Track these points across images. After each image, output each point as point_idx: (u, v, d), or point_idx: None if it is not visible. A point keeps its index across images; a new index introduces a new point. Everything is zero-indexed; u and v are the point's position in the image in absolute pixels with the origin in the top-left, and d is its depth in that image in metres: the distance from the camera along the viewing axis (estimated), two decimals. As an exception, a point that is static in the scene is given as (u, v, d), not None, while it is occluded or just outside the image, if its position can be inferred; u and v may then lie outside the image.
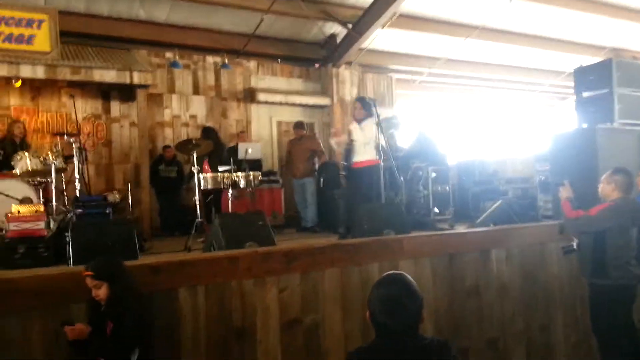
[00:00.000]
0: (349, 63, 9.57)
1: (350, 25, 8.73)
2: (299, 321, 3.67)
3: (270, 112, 9.18)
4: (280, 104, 9.12)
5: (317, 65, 9.65)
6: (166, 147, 7.86)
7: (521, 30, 9.79)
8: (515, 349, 4.56)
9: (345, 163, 6.10)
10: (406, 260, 4.13)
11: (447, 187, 6.45)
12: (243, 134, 8.21)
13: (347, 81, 9.66)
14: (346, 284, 3.86)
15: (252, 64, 9.16)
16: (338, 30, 9.13)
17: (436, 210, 6.19)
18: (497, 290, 4.52)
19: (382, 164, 5.39)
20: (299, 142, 7.60)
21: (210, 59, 8.72)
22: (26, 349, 2.78)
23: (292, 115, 9.07)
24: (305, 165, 7.41)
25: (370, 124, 5.59)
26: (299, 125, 7.71)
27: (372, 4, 8.30)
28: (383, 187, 5.32)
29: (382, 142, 5.48)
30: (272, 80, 9.28)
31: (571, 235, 4.04)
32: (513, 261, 4.64)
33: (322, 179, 7.29)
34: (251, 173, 6.01)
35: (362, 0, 8.44)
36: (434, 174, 6.27)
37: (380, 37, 9.04)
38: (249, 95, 8.94)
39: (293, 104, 9.23)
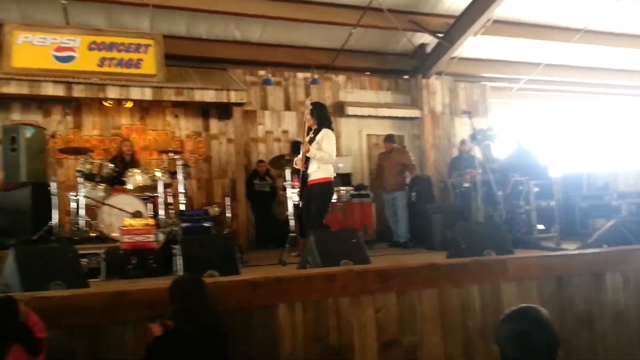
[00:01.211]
0: (440, 73, 9.36)
1: (440, 35, 8.55)
2: (397, 342, 3.60)
3: (359, 125, 9.20)
4: (370, 117, 9.11)
5: (406, 77, 9.53)
6: (260, 161, 8.14)
7: (628, 31, 9.02)
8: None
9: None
10: (509, 282, 3.91)
11: (552, 202, 6.03)
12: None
13: (437, 92, 9.45)
14: (445, 306, 3.73)
15: (340, 78, 9.26)
16: (428, 39, 8.97)
17: (540, 227, 5.81)
18: (612, 318, 4.12)
19: (333, 181, 4.95)
20: (389, 155, 7.52)
21: (300, 75, 8.94)
22: (140, 357, 2.96)
23: (381, 128, 9.03)
24: (395, 179, 7.31)
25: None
26: (388, 138, 7.64)
27: (464, 12, 8.07)
28: (480, 203, 5.08)
29: (478, 154, 5.23)
30: (361, 94, 9.31)
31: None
32: (630, 286, 4.22)
33: (413, 193, 7.14)
34: (342, 187, 6.05)
35: (453, 9, 8.24)
36: (536, 188, 5.90)
37: (472, 45, 8.75)
38: (338, 109, 9.03)
39: (382, 117, 9.18)
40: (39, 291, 3.06)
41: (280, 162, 6.10)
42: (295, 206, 5.98)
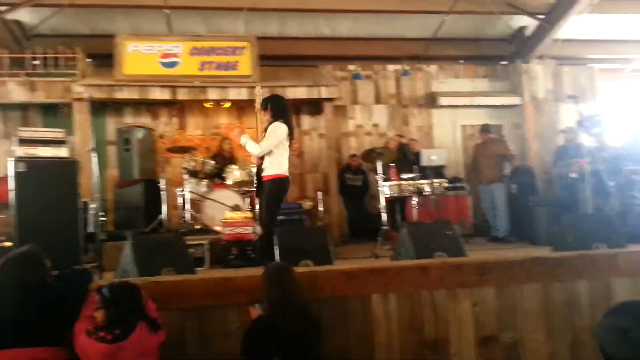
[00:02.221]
0: (541, 57, 8.78)
1: (541, 16, 8.03)
2: (496, 338, 3.47)
3: (453, 116, 8.92)
4: (464, 106, 8.80)
5: (504, 63, 9.07)
6: (352, 156, 8.19)
7: None
8: None
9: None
10: (621, 278, 3.60)
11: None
12: (414, 141, 8.10)
13: (539, 77, 8.88)
14: (549, 302, 3.53)
15: (432, 68, 9.04)
16: (527, 22, 8.47)
17: (658, 220, 5.28)
18: None
19: (285, 178, 4.62)
20: (485, 146, 7.22)
21: (390, 67, 8.86)
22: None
23: (477, 118, 8.68)
24: (492, 170, 7.00)
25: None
26: (484, 129, 7.33)
27: (568, -10, 7.51)
28: (589, 194, 4.72)
29: (586, 142, 4.84)
30: (454, 83, 9.03)
31: None
32: None
33: (514, 185, 6.79)
34: (435, 180, 5.92)
35: (554, -13, 7.71)
36: (653, 178, 5.37)
37: (577, 25, 8.11)
38: (431, 100, 8.83)
39: (478, 106, 8.82)
40: (153, 276, 3.36)
41: (371, 155, 6.09)
42: (387, 200, 5.95)
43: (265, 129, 4.59)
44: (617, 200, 5.29)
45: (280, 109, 4.66)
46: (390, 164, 6.36)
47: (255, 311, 2.86)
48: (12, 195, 4.38)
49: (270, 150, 4.52)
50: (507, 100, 8.85)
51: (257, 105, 4.74)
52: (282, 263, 3.11)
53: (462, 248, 4.08)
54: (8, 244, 4.85)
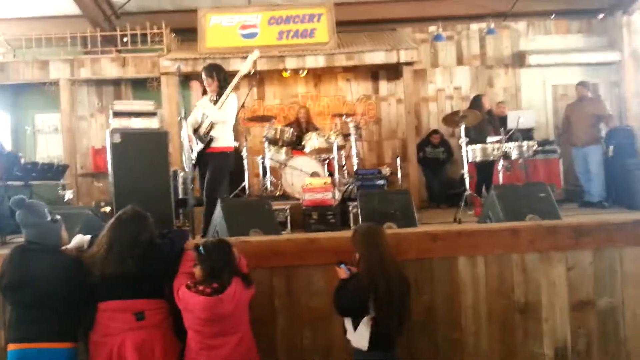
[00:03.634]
0: (647, 7, 7.96)
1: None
2: (592, 303, 3.29)
3: (543, 75, 8.36)
4: (556, 65, 8.21)
5: (601, 16, 8.31)
6: (434, 132, 7.98)
7: None
8: None
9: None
10: None
11: None
12: (501, 105, 7.69)
13: (642, 29, 8.06)
14: (653, 266, 3.27)
15: (520, 25, 8.49)
16: (629, -31, 7.69)
17: None
18: None
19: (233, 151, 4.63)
20: (580, 105, 6.71)
21: (474, 26, 8.44)
22: (328, 297, 3.21)
23: (570, 77, 8.06)
24: (588, 131, 6.52)
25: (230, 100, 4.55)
26: (582, 83, 6.79)
27: None
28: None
29: None
30: (544, 40, 8.43)
31: None
32: None
33: (611, 147, 6.30)
34: (524, 143, 5.62)
35: None
36: None
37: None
38: (518, 60, 8.33)
39: (571, 64, 8.20)
40: (243, 236, 3.51)
41: (454, 119, 5.87)
42: (471, 164, 5.74)
43: (217, 99, 4.56)
44: None
45: (226, 80, 4.65)
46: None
47: (343, 271, 2.90)
48: (109, 165, 4.70)
49: (226, 121, 4.57)
50: (604, 57, 8.15)
51: (250, 70, 4.81)
52: (371, 224, 3.12)
53: (557, 210, 3.87)
54: (107, 209, 5.26)
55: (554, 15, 8.42)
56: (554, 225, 3.45)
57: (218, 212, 3.84)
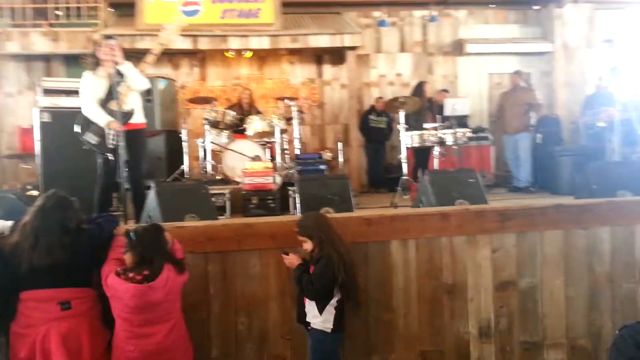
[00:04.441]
0: (576, 1, 8.35)
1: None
2: (514, 283, 3.49)
3: (480, 64, 8.66)
4: (492, 54, 8.52)
5: (537, 7, 8.66)
6: (379, 98, 8.07)
7: None
8: None
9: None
10: (646, 226, 3.55)
11: None
12: (443, 93, 7.90)
13: (573, 22, 8.46)
14: (570, 249, 3.51)
15: (461, 13, 8.71)
16: (562, -37, 8.04)
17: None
18: None
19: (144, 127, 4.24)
20: (513, 94, 7.01)
21: (417, 13, 8.58)
22: (264, 281, 3.25)
23: (505, 66, 8.40)
24: (519, 119, 6.84)
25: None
26: (517, 72, 7.09)
27: None
28: (617, 144, 4.60)
29: (618, 90, 4.65)
30: (483, 29, 8.70)
31: None
32: None
33: (539, 135, 6.64)
34: (458, 130, 5.82)
35: None
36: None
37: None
38: (458, 48, 8.57)
39: (507, 53, 8.54)
40: (177, 222, 3.46)
41: (394, 104, 5.99)
42: (409, 149, 5.90)
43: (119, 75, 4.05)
44: (647, 149, 5.15)
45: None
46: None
47: (296, 257, 2.94)
48: (37, 146, 4.46)
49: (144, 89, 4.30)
50: (538, 47, 8.53)
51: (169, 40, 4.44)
52: (317, 212, 3.18)
53: (484, 195, 4.06)
54: (35, 192, 5.02)
55: (493, 5, 8.68)
56: (481, 209, 3.61)
57: (152, 197, 3.76)
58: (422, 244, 3.47)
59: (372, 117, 7.94)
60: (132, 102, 4.21)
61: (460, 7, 8.63)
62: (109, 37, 4.30)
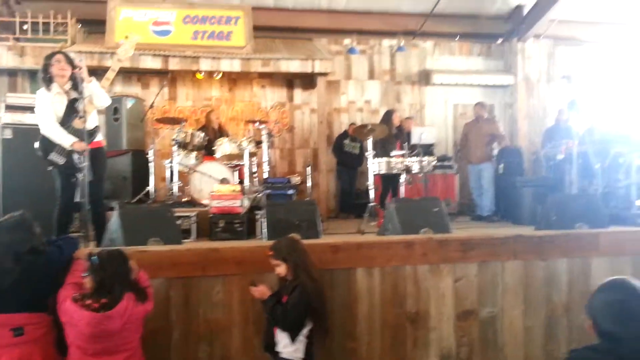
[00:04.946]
0: (538, 36, 8.74)
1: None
2: (475, 313, 3.56)
3: (445, 94, 8.91)
4: (457, 85, 8.78)
5: (499, 41, 9.02)
6: (352, 124, 8.16)
7: None
8: None
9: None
10: (601, 258, 3.70)
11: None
12: (409, 120, 8.08)
13: (534, 56, 8.85)
14: (529, 279, 3.62)
15: (428, 44, 8.98)
16: (524, 0, 8.40)
17: None
18: None
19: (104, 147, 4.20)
20: (477, 125, 7.23)
21: (386, 42, 8.79)
22: (227, 308, 3.21)
23: (469, 97, 8.68)
24: (483, 149, 7.04)
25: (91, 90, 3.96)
26: (481, 105, 7.32)
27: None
28: (575, 176, 4.78)
29: (576, 124, 4.84)
30: (449, 60, 8.98)
31: None
32: None
33: (502, 165, 6.85)
34: (424, 158, 5.94)
35: (554, -34, 7.62)
36: (639, 162, 5.42)
37: (575, 5, 8.06)
38: (424, 78, 8.80)
39: (471, 85, 8.82)
40: (139, 246, 3.39)
41: (362, 131, 6.09)
42: (377, 176, 5.98)
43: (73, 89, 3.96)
44: (602, 182, 5.37)
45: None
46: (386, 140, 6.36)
47: (264, 288, 2.90)
48: (-2, 163, 4.33)
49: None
50: (500, 80, 8.85)
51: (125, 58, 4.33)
52: (292, 236, 3.17)
53: (448, 224, 4.13)
54: (-6, 211, 4.84)
55: (458, 38, 9.00)
56: (445, 239, 3.69)
57: (114, 219, 3.68)
58: (387, 272, 3.51)
59: (346, 142, 8.03)
60: (94, 120, 4.14)
61: (427, 38, 8.90)
62: (67, 55, 4.16)
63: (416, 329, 3.47)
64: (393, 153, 6.15)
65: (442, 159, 7.61)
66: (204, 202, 5.56)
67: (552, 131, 7.35)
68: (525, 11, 8.56)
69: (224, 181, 5.70)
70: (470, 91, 8.81)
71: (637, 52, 9.26)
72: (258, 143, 6.54)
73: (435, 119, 8.85)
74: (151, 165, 6.18)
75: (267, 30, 8.28)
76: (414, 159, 5.86)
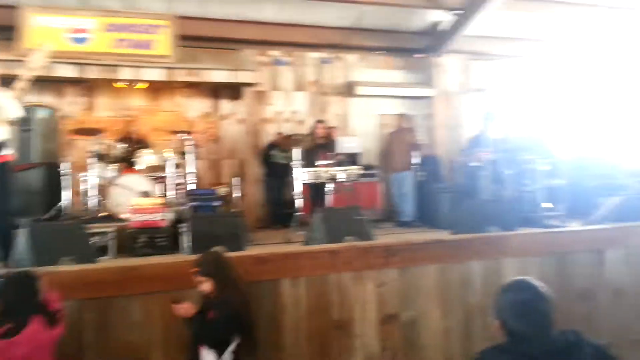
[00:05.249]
0: (454, 51, 9.23)
1: (457, 12, 8.41)
2: (397, 316, 3.67)
3: (370, 105, 9.17)
4: (380, 96, 9.07)
5: (419, 55, 9.44)
6: (279, 133, 8.15)
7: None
8: (630, 358, 4.15)
9: None
10: (511, 258, 3.95)
11: (559, 182, 6.01)
12: (333, 130, 8.21)
13: (451, 70, 9.34)
14: (446, 281, 3.79)
15: (352, 57, 9.20)
16: (442, 17, 8.84)
17: (546, 206, 5.80)
18: (611, 294, 4.14)
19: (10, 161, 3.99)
20: (399, 135, 7.51)
21: (312, 54, 8.92)
22: (147, 329, 3.09)
23: (391, 108, 8.99)
24: (405, 158, 7.31)
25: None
26: (403, 115, 7.61)
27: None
28: (488, 182, 5.09)
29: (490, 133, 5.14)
30: (373, 73, 9.24)
31: None
32: (632, 262, 4.21)
33: (422, 173, 7.15)
34: (350, 167, 6.09)
35: (469, -15, 8.09)
36: (544, 168, 5.87)
37: (488, 22, 8.60)
38: (349, 89, 9.01)
39: (393, 97, 9.13)
40: (50, 266, 3.19)
41: (289, 141, 6.15)
42: (305, 186, 6.03)
43: None
44: (511, 188, 5.76)
45: None
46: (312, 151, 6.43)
47: (186, 306, 2.79)
48: None
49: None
50: (420, 92, 9.24)
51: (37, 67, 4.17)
52: (217, 250, 3.10)
53: (370, 232, 4.25)
54: None
55: (380, 51, 9.31)
56: (368, 246, 3.79)
57: (22, 238, 3.45)
58: (313, 282, 3.54)
59: (274, 152, 8.01)
60: (2, 132, 3.90)
61: (351, 52, 9.12)
62: None
63: (341, 336, 3.52)
64: (318, 163, 6.24)
65: (366, 167, 7.81)
66: (124, 216, 5.35)
67: (474, 141, 7.73)
68: (442, 28, 9.01)
69: (145, 194, 5.51)
70: (392, 102, 9.13)
71: (546, 66, 10.05)
72: (183, 154, 6.39)
73: (360, 129, 9.07)
74: (66, 179, 5.86)
75: (193, 40, 8.12)
76: (340, 168, 5.99)
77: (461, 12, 8.30)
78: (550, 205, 5.80)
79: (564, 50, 9.76)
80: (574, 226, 5.00)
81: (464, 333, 3.77)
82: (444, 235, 4.48)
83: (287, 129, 8.57)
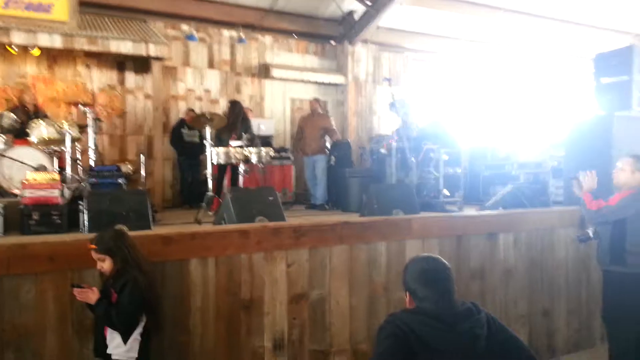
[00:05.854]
0: (366, 41, 9.48)
1: (369, 3, 8.61)
2: (306, 295, 3.74)
3: (284, 88, 9.17)
4: (295, 80, 9.10)
5: (333, 43, 9.56)
6: (189, 110, 7.88)
7: (546, 14, 9.59)
8: (517, 333, 4.60)
9: None
10: (414, 240, 4.17)
11: (459, 170, 6.44)
12: (247, 110, 8.10)
13: (362, 59, 9.59)
14: (354, 261, 3.92)
15: (267, 39, 9.11)
16: (356, 6, 9.02)
17: (446, 192, 6.19)
18: (502, 274, 4.55)
19: None
20: (312, 119, 7.59)
21: (226, 32, 8.70)
22: (40, 311, 2.88)
23: (306, 93, 9.07)
24: (317, 142, 7.42)
25: None
26: (315, 100, 7.69)
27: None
28: (394, 168, 5.32)
29: (396, 122, 5.38)
30: (287, 57, 9.24)
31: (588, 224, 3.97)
32: (520, 245, 4.65)
33: (333, 157, 7.30)
34: (263, 149, 6.04)
35: (382, -23, 8.31)
36: (445, 157, 6.26)
37: (399, 15, 8.91)
38: (264, 71, 8.93)
39: (307, 81, 9.21)
40: None
41: (200, 120, 5.95)
42: (215, 166, 5.90)
43: None
44: (416, 174, 6.08)
45: None
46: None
47: (89, 290, 2.63)
48: None
49: None
50: (333, 79, 9.41)
51: None
52: (118, 228, 2.92)
53: (282, 213, 4.27)
54: None
55: (295, 36, 9.31)
56: (279, 226, 3.81)
57: None
58: (222, 262, 3.49)
59: (184, 130, 7.72)
60: None
61: (266, 33, 9.04)
62: None
63: (250, 316, 3.52)
64: (232, 143, 6.13)
65: (279, 150, 7.82)
66: (15, 191, 4.91)
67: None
68: (357, 17, 9.20)
69: (40, 168, 5.08)
70: (306, 87, 9.21)
71: (453, 61, 10.63)
72: (83, 127, 5.97)
73: (275, 112, 9.05)
74: (-56, 150, 5.25)
75: (96, 7, 7.60)
76: (253, 149, 5.92)
77: (371, 3, 8.52)
78: (448, 192, 6.20)
79: (472, 48, 10.40)
80: (470, 211, 5.39)
81: (369, 311, 3.94)
82: (352, 217, 4.63)
83: (199, 107, 8.33)
